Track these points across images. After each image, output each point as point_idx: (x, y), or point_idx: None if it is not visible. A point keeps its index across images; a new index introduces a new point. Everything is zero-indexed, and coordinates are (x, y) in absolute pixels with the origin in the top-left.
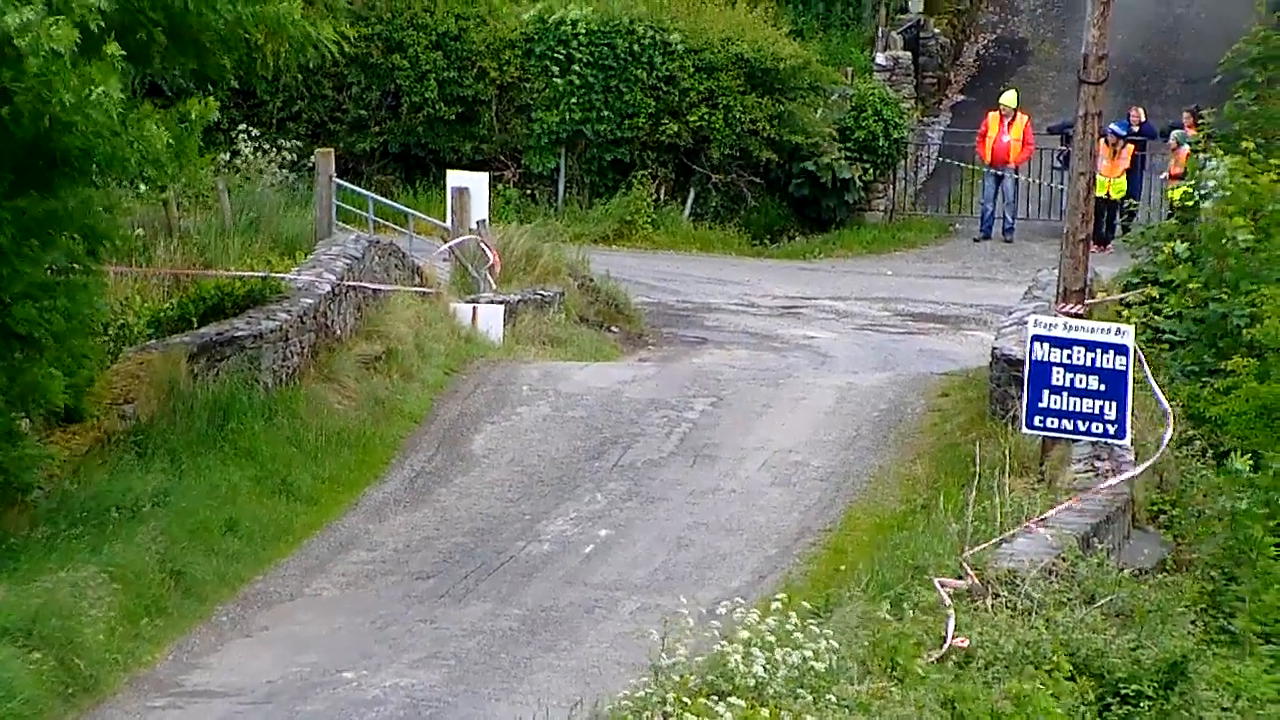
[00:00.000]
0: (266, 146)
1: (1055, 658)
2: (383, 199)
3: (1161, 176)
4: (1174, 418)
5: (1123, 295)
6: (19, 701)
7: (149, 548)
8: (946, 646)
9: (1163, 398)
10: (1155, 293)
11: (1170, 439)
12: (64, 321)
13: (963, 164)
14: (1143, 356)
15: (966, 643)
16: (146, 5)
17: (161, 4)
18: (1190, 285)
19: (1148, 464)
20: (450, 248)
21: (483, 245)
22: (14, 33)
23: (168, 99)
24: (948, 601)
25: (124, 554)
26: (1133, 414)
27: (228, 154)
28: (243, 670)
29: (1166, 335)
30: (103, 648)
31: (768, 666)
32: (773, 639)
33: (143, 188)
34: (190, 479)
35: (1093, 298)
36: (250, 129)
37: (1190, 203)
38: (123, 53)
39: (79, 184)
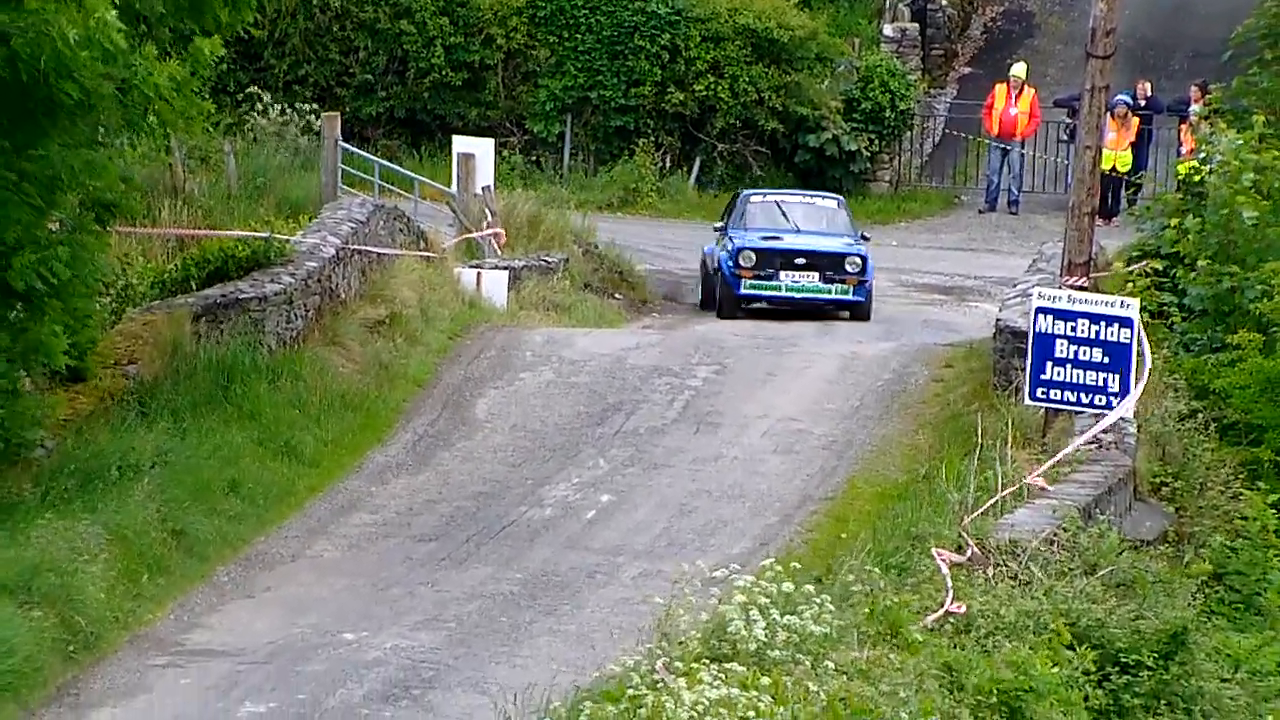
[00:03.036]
0: (281, 107)
1: (1055, 625)
2: (388, 164)
3: (1183, 151)
4: (1172, 389)
5: (1130, 269)
6: (19, 659)
7: (150, 507)
8: (942, 611)
9: (1149, 354)
10: (1160, 265)
11: (1142, 390)
12: (66, 280)
13: (969, 136)
14: (1142, 329)
15: (963, 609)
16: None
17: None
18: (1198, 260)
19: (1111, 418)
20: (454, 210)
21: (486, 210)
22: None
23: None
24: (945, 571)
25: (124, 512)
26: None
27: (235, 118)
28: (244, 630)
29: (1171, 308)
30: (103, 605)
31: (767, 630)
32: (766, 602)
33: (140, 148)
34: (193, 440)
35: (1098, 271)
36: (260, 93)
37: (1197, 178)
38: None
39: (78, 142)
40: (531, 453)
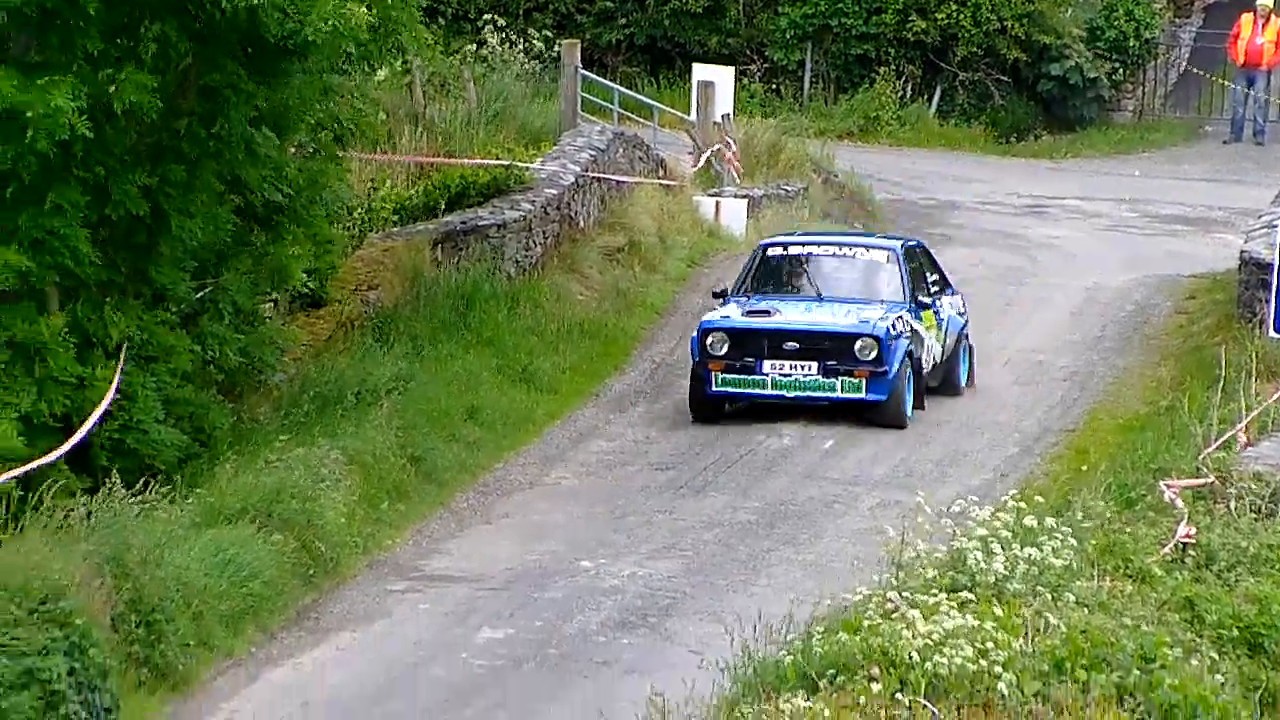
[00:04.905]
0: (514, 37)
1: None
2: (627, 91)
3: None
4: None
5: None
6: (260, 582)
7: (388, 433)
8: (1175, 541)
9: None
10: None
11: None
12: (303, 190)
13: (1213, 66)
14: None
15: (1194, 531)
16: None
17: None
18: None
19: None
20: (693, 138)
21: (726, 138)
22: None
23: None
24: (1179, 505)
25: (363, 438)
26: None
27: (474, 44)
28: (482, 557)
29: None
30: (343, 530)
31: (1006, 564)
32: (1008, 535)
33: (382, 74)
34: (431, 366)
35: None
36: (496, 19)
37: None
38: None
39: (319, 70)
40: None
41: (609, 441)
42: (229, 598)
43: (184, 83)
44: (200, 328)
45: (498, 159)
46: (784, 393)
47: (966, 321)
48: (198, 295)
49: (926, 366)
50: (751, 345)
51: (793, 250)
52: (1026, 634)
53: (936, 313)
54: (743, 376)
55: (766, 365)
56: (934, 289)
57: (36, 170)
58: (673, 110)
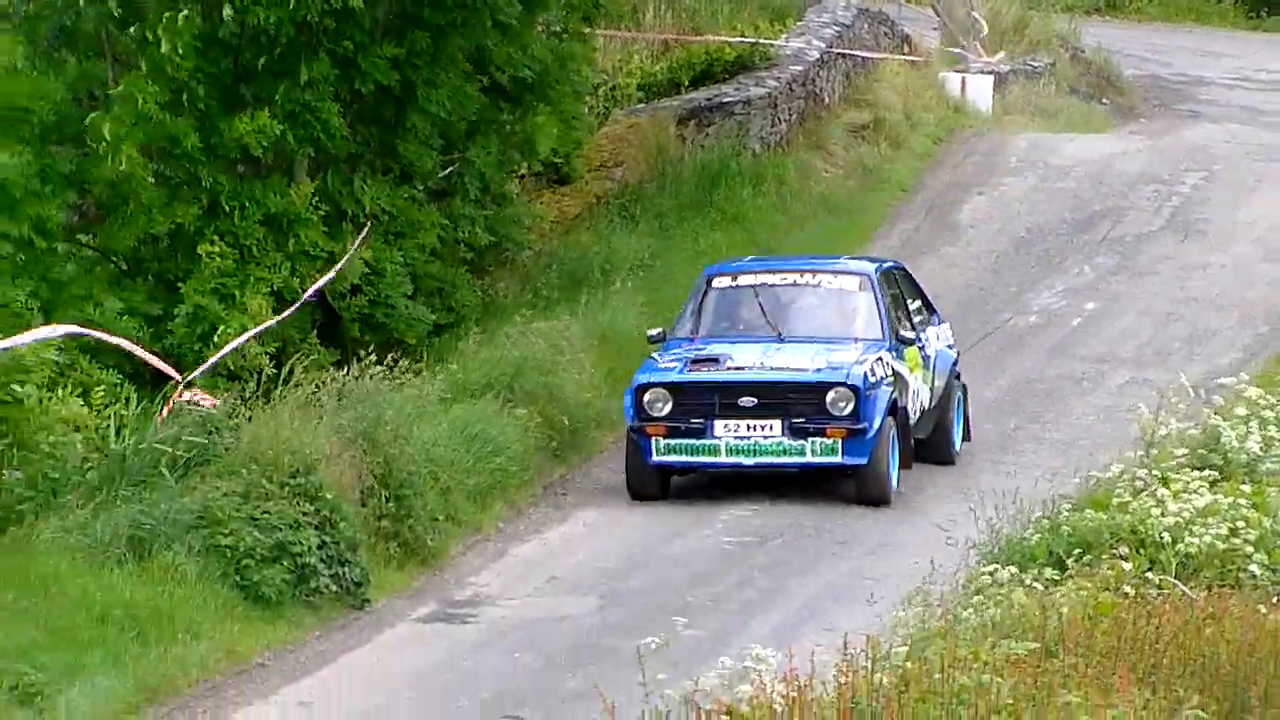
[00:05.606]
0: None
1: None
2: None
3: None
4: None
5: None
6: (506, 457)
7: (632, 309)
8: None
9: None
10: None
11: None
12: (554, 83)
13: None
14: None
15: None
16: None
17: None
18: None
19: None
20: (938, 14)
21: (972, 14)
22: None
23: None
24: None
25: (607, 314)
26: None
27: None
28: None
29: None
30: (586, 406)
31: (1263, 444)
32: (1270, 415)
33: None
34: (675, 242)
35: None
36: None
37: None
38: None
39: None
40: (1015, 259)
41: None
42: (476, 473)
43: None
44: (449, 206)
45: (743, 36)
46: (742, 460)
47: (958, 356)
48: (445, 173)
49: (914, 416)
50: (699, 402)
51: (744, 280)
52: (1277, 513)
53: (922, 349)
54: (690, 442)
55: (719, 426)
56: (917, 319)
57: (286, 43)
58: None
